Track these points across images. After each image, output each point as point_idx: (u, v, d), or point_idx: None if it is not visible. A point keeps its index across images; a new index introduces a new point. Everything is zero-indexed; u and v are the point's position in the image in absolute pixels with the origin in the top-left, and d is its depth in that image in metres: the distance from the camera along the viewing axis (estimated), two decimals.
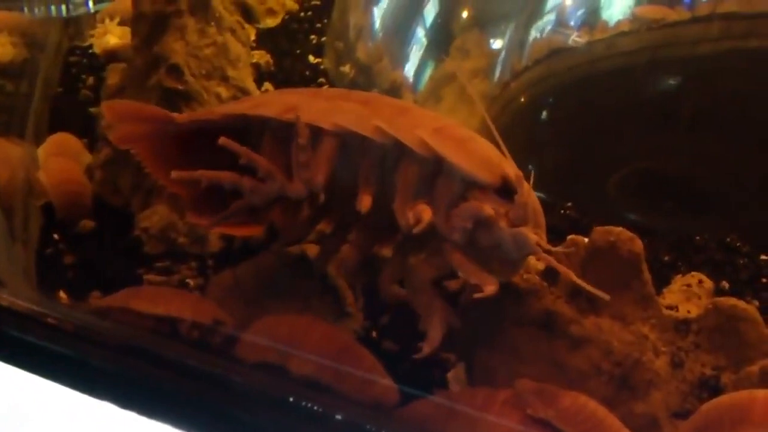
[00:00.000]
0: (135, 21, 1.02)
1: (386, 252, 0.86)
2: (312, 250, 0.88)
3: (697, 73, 1.10)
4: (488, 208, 0.69)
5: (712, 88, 1.09)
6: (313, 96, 0.82)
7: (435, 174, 0.73)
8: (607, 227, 0.76)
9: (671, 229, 1.01)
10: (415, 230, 0.71)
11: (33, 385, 0.74)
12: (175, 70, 0.98)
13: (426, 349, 0.74)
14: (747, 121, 1.07)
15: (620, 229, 0.76)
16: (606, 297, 0.71)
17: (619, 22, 1.12)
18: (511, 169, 0.72)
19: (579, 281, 0.70)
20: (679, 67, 1.11)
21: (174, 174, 0.80)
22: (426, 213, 0.72)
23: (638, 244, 0.75)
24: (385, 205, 0.75)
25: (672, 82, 1.12)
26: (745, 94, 1.09)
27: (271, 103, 0.80)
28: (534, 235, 0.69)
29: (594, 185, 1.09)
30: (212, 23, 1.02)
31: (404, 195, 0.74)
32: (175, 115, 0.85)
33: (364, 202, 0.74)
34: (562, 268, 0.71)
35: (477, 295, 0.70)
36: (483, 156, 0.72)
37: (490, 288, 0.70)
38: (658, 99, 1.10)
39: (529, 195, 0.70)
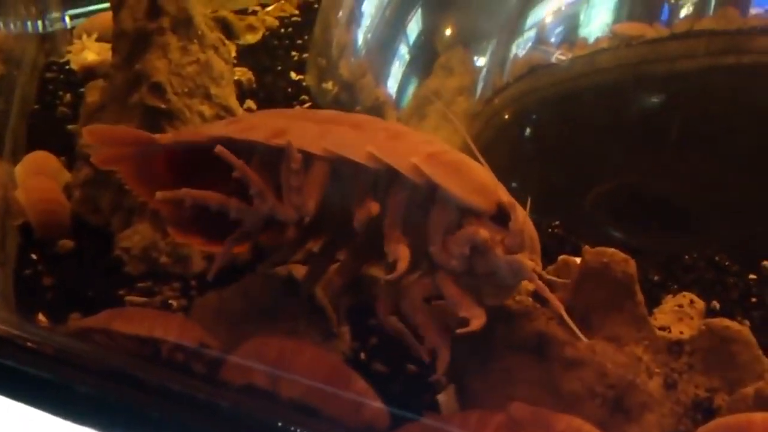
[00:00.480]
0: (116, 38, 1.00)
1: (375, 271, 0.85)
2: (299, 270, 0.86)
3: (677, 90, 1.11)
4: (484, 233, 0.68)
5: (692, 105, 1.10)
6: (302, 119, 0.80)
7: (429, 201, 0.72)
8: (599, 248, 0.76)
9: (658, 247, 1.01)
10: (389, 278, 0.71)
11: None
12: (158, 89, 0.96)
13: (440, 368, 0.73)
14: (726, 137, 1.08)
15: (613, 250, 0.75)
16: (585, 340, 0.71)
17: (598, 39, 1.12)
18: (505, 195, 0.71)
19: (566, 317, 0.69)
20: (659, 84, 1.11)
21: (158, 195, 0.79)
22: (403, 261, 0.70)
23: (632, 266, 0.74)
24: (376, 228, 0.74)
25: (651, 98, 1.12)
26: (725, 110, 1.09)
27: (259, 126, 0.78)
28: (530, 262, 0.68)
29: (577, 202, 1.09)
30: (195, 41, 1.00)
31: (393, 221, 0.73)
32: (158, 136, 0.84)
33: (373, 208, 0.72)
34: (553, 302, 0.70)
35: (460, 331, 0.69)
36: (478, 182, 0.71)
37: (477, 322, 0.68)
38: (638, 115, 1.11)
39: (525, 221, 0.70)
